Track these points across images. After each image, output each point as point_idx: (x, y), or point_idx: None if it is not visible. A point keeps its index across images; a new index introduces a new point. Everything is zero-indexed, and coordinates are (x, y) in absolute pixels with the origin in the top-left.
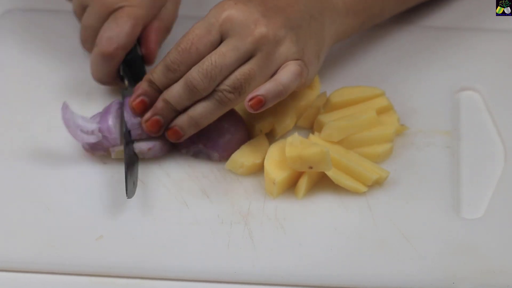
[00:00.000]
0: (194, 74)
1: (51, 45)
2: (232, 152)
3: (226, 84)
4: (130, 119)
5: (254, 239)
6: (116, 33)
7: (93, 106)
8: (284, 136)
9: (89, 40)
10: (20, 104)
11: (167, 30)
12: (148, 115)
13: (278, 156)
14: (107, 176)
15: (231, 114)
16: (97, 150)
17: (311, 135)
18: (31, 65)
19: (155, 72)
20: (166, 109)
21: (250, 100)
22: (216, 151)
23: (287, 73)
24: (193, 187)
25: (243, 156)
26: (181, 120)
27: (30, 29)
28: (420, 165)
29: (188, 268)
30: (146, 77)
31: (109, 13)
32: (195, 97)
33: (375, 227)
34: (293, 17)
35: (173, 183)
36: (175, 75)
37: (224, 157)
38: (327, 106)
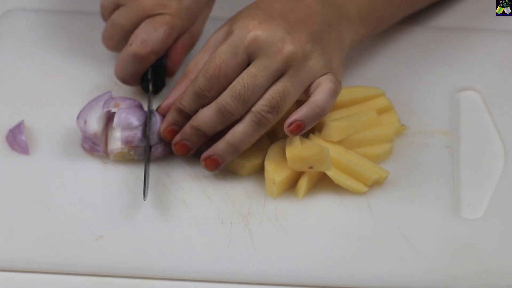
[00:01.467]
0: (227, 98)
1: (51, 45)
2: None
3: (263, 104)
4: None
5: (254, 239)
6: (153, 37)
7: None
8: (285, 136)
9: (114, 38)
10: (20, 104)
11: (192, 45)
12: (176, 139)
13: (279, 156)
14: (107, 176)
15: None
16: (95, 151)
17: (311, 135)
18: (31, 65)
19: (184, 100)
20: (195, 135)
21: (290, 125)
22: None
23: (322, 94)
24: (194, 187)
25: (245, 157)
26: (220, 148)
27: (30, 29)
28: (420, 165)
29: (188, 268)
30: (174, 105)
31: (145, 17)
32: (228, 121)
33: (375, 227)
34: (315, 30)
35: (173, 183)
36: (205, 101)
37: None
38: None
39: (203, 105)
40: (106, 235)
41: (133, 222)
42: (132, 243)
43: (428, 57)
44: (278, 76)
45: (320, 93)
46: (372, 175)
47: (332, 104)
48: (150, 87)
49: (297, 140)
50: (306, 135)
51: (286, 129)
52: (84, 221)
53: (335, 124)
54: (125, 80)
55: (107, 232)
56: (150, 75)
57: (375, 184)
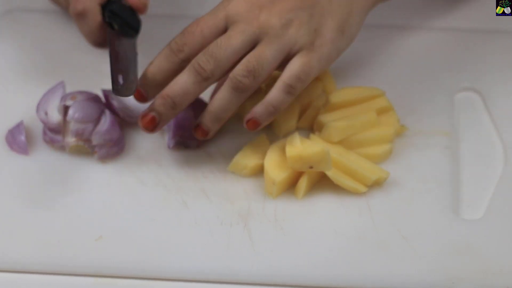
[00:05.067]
0: (200, 56)
1: (51, 45)
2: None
3: (239, 68)
4: None
5: (254, 240)
6: None
7: None
8: (284, 136)
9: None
10: (19, 104)
11: None
12: (145, 112)
13: (278, 156)
14: (106, 176)
15: (201, 104)
16: (56, 142)
17: (311, 135)
18: (30, 65)
19: (156, 59)
20: (164, 105)
21: (247, 122)
22: (194, 140)
23: (276, 92)
24: (193, 188)
25: (246, 158)
26: (204, 119)
27: (30, 29)
28: (420, 166)
29: (188, 268)
30: (147, 67)
31: None
32: (201, 81)
33: (375, 228)
34: None
35: (173, 183)
36: (178, 57)
37: (202, 144)
38: (327, 106)
39: (175, 63)
40: (106, 235)
41: (133, 222)
42: (132, 243)
43: (428, 57)
44: (254, 42)
45: (275, 90)
46: (371, 176)
47: (287, 101)
48: (115, 26)
49: (297, 140)
50: (306, 135)
51: (244, 125)
52: (84, 221)
53: (335, 125)
54: (96, 42)
55: (107, 232)
56: (108, 18)
57: (375, 184)
